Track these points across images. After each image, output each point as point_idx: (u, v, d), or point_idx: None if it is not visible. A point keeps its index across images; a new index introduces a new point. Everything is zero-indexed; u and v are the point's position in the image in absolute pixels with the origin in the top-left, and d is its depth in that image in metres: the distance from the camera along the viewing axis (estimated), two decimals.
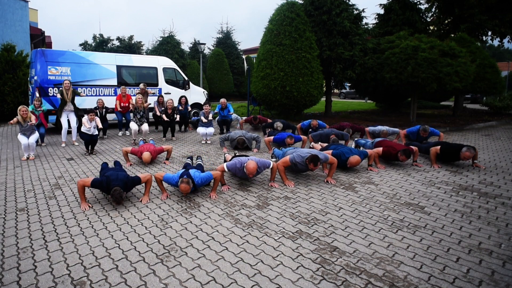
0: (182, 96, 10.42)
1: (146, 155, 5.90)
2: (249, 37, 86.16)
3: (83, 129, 7.11)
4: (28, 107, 6.84)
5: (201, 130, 8.42)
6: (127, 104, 9.14)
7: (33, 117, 6.71)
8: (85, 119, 7.09)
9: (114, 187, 4.03)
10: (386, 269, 2.82)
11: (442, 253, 3.06)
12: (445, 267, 2.84)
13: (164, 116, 8.72)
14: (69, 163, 6.38)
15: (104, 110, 8.71)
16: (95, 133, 7.20)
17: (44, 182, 5.19)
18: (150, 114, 10.33)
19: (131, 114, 8.49)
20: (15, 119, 6.44)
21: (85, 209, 4.09)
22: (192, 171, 4.54)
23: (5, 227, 3.63)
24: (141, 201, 4.36)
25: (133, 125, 8.25)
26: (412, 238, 3.36)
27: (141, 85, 9.76)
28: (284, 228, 3.59)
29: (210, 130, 8.47)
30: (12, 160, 6.52)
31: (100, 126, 7.30)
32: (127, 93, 9.48)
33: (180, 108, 9.83)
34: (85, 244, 3.25)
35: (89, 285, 2.62)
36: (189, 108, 9.98)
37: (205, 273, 2.77)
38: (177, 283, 2.65)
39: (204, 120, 8.38)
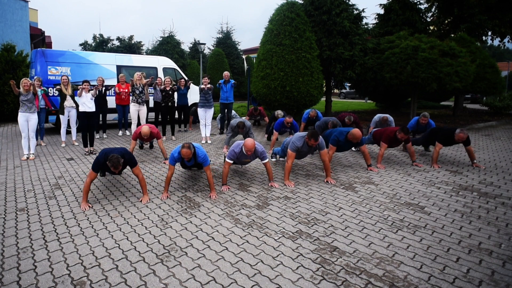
0: (181, 78, 10.38)
1: (145, 128, 5.88)
2: (256, 37, 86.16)
3: (80, 108, 7.12)
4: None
5: (201, 112, 8.43)
6: (126, 90, 9.06)
7: (34, 86, 6.69)
8: (80, 90, 7.07)
9: (111, 155, 3.96)
10: (386, 269, 2.82)
11: (442, 253, 3.06)
12: (445, 267, 2.84)
13: (159, 81, 9.01)
14: (69, 163, 6.38)
15: (104, 88, 8.56)
16: (93, 109, 7.17)
17: (44, 182, 5.20)
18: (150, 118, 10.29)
19: (131, 92, 8.43)
20: (17, 90, 6.40)
21: (85, 209, 4.09)
22: (195, 144, 4.61)
23: (5, 227, 3.63)
24: (141, 201, 4.37)
25: (133, 111, 8.20)
26: (412, 238, 3.36)
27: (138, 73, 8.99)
28: (284, 228, 3.59)
29: (210, 113, 8.47)
30: (12, 160, 6.52)
31: (95, 91, 7.27)
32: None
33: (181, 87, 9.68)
34: (85, 244, 3.25)
35: (89, 285, 2.62)
36: (189, 87, 9.89)
37: (205, 273, 2.77)
38: (177, 283, 2.65)
39: (202, 86, 8.36)
